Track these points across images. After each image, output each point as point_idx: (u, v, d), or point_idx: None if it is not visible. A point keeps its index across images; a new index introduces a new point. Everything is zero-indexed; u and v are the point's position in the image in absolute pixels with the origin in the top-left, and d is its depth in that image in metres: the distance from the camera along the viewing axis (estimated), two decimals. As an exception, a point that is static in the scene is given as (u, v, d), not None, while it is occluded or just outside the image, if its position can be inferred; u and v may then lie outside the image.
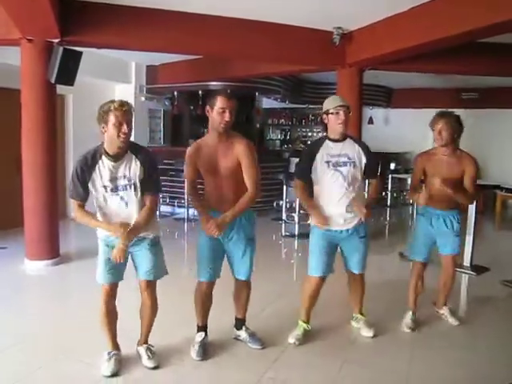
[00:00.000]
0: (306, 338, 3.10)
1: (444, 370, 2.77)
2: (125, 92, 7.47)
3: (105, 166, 2.45)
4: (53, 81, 4.52)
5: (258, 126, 9.67)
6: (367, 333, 3.19)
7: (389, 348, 3.07)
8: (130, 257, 2.62)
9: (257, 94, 8.95)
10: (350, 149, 2.94)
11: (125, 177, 2.48)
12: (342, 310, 3.44)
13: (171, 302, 3.48)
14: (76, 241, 5.84)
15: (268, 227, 6.84)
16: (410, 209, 8.33)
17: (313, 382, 2.66)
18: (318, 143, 2.99)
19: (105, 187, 2.47)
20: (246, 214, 2.80)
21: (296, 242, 6.08)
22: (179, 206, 7.68)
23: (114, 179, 2.47)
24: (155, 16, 4.80)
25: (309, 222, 3.15)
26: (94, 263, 2.64)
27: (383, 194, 8.58)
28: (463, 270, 4.67)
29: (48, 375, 2.64)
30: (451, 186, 3.00)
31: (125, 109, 2.38)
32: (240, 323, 3.07)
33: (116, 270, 2.57)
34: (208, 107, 2.70)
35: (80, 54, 4.61)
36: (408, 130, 9.97)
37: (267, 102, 10.34)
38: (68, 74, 4.56)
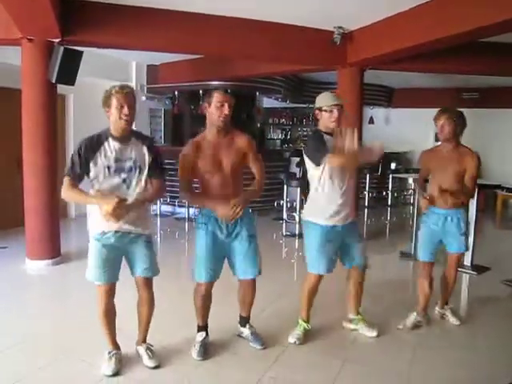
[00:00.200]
0: (307, 337, 3.10)
1: (445, 369, 2.77)
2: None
3: (111, 146, 2.47)
4: (53, 80, 4.52)
5: (258, 125, 9.67)
6: (370, 333, 3.19)
7: (390, 347, 3.07)
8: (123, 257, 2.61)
9: (257, 93, 8.96)
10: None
11: (131, 159, 2.50)
12: (343, 310, 3.43)
13: (171, 302, 3.48)
14: (77, 240, 5.83)
15: (269, 227, 6.84)
16: (411, 208, 8.31)
17: (314, 381, 2.66)
18: (320, 135, 2.94)
19: (108, 168, 2.46)
20: (246, 211, 2.81)
21: (297, 241, 6.08)
22: (180, 206, 7.68)
23: (118, 160, 2.48)
24: (156, 16, 4.81)
25: None
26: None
27: (383, 193, 8.59)
28: (464, 270, 4.67)
29: (48, 375, 2.64)
30: (449, 193, 3.08)
31: (126, 91, 2.43)
32: (244, 320, 3.08)
33: (112, 269, 2.55)
34: (205, 104, 2.71)
35: (81, 53, 4.61)
36: (409, 129, 9.98)
37: (268, 102, 10.35)
38: (69, 73, 4.56)
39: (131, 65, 7.73)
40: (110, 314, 2.64)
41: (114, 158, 2.47)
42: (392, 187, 8.58)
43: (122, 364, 2.68)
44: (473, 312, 3.79)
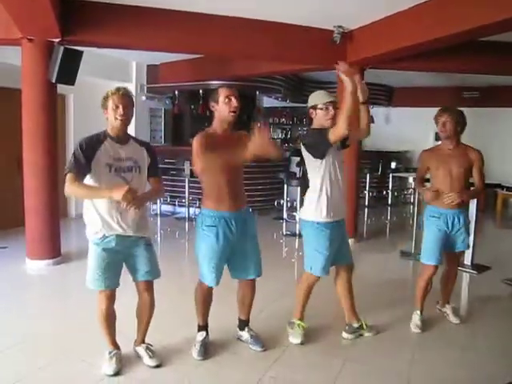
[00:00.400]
0: (307, 337, 3.10)
1: (445, 369, 2.77)
2: (125, 91, 7.47)
3: (110, 146, 2.49)
4: (53, 80, 4.52)
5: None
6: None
7: (390, 347, 3.06)
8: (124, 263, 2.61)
9: (258, 92, 8.95)
10: None
11: (130, 159, 2.52)
12: (343, 310, 3.43)
13: (171, 302, 3.49)
14: (77, 240, 5.83)
15: (269, 226, 6.84)
16: (411, 207, 8.31)
17: (314, 381, 2.66)
18: (318, 129, 2.90)
19: (109, 166, 2.45)
20: (247, 211, 2.80)
21: (297, 240, 6.08)
22: (180, 206, 7.68)
23: (118, 160, 2.49)
24: (156, 15, 4.80)
25: None
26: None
27: (384, 192, 8.58)
28: (464, 269, 4.67)
29: (48, 375, 2.64)
30: (465, 194, 3.12)
31: (121, 92, 2.47)
32: (243, 324, 3.06)
33: (113, 274, 2.54)
34: (212, 103, 2.68)
35: (81, 53, 4.60)
36: (409, 128, 9.97)
37: (268, 101, 10.35)
38: (69, 73, 4.56)
39: (131, 65, 7.72)
40: (110, 319, 2.64)
41: (114, 157, 2.48)
42: (392, 186, 8.58)
43: (122, 364, 2.68)
44: (473, 311, 3.79)
